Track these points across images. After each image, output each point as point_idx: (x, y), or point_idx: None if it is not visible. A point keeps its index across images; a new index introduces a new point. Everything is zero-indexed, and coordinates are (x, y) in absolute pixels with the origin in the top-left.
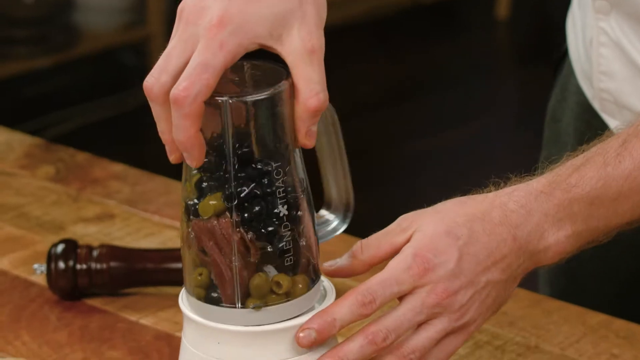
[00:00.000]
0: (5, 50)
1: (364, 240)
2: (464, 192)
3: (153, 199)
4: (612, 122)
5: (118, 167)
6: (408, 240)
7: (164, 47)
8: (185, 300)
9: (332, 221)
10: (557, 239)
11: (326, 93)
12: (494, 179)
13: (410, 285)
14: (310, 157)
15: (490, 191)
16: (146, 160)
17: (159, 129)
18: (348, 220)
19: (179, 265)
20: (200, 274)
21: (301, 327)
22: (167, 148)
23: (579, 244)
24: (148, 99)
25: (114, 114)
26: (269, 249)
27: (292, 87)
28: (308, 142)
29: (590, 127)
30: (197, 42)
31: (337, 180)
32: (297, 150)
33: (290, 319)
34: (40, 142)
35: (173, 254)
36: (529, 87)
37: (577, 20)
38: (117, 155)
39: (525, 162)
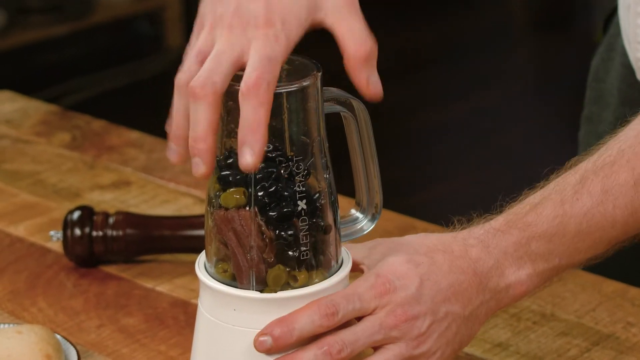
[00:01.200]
0: (21, 18)
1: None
2: (475, 162)
3: (169, 166)
4: None
5: (134, 135)
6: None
7: (179, 16)
8: (201, 267)
9: (361, 221)
10: (517, 278)
11: (373, 38)
12: (458, 217)
13: (373, 305)
14: (344, 156)
15: (455, 229)
16: (162, 128)
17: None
18: (375, 221)
19: (195, 232)
20: (225, 270)
21: (261, 332)
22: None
23: (541, 282)
24: (193, 97)
25: (129, 82)
26: (285, 242)
27: (319, 82)
28: (373, 93)
29: (634, 89)
30: (244, 46)
31: (368, 180)
32: (321, 144)
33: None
34: (56, 109)
35: (189, 221)
36: (544, 56)
37: None
38: (133, 123)
39: (541, 130)
